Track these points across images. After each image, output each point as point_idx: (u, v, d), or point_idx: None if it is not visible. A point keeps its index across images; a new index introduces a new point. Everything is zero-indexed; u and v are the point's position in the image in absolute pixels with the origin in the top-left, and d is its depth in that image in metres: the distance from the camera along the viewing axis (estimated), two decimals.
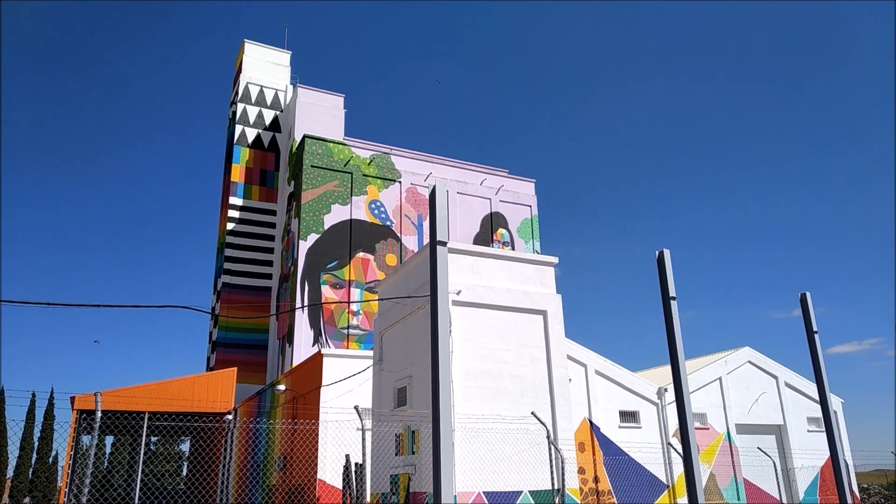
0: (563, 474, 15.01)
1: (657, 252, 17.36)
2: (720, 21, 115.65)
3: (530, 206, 47.86)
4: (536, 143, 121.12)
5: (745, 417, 29.52)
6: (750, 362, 31.00)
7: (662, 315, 17.01)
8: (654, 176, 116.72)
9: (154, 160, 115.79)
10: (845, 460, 27.56)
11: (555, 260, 17.60)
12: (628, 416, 26.31)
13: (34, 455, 41.08)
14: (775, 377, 31.27)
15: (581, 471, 23.89)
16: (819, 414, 30.69)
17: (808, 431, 30.63)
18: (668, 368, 31.17)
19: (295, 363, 35.02)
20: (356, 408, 14.79)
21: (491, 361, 15.66)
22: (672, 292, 16.83)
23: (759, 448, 26.77)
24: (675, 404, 15.17)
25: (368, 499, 17.27)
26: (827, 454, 29.51)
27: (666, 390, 27.27)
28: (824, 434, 29.69)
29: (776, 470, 24.88)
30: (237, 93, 48.19)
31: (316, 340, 37.99)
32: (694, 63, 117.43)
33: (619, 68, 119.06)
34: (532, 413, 15.43)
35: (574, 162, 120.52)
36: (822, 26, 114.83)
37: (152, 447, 50.03)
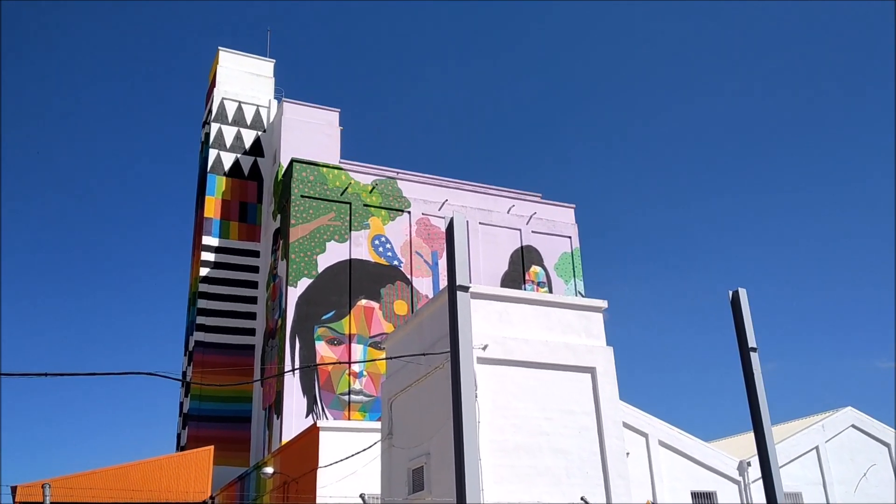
0: None
1: (731, 292, 17.25)
2: (795, 18, 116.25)
3: (570, 238, 47.81)
4: (575, 159, 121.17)
5: (851, 496, 28.82)
6: (854, 426, 30.38)
7: (741, 369, 16.86)
8: (722, 197, 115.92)
9: (108, 194, 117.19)
10: None
11: (604, 304, 17.52)
12: (703, 498, 25.82)
13: None
14: (887, 445, 30.56)
15: None
16: None
17: None
18: (750, 437, 30.60)
19: (285, 439, 34.88)
20: (362, 496, 14.67)
21: (527, 433, 15.49)
22: (752, 341, 16.66)
23: None
24: (761, 482, 14.85)
25: None
26: None
27: (749, 464, 26.78)
28: None
29: None
30: (211, 111, 49.18)
31: (310, 410, 37.87)
32: (774, 66, 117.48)
33: (679, 69, 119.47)
34: (582, 499, 15.20)
35: (623, 181, 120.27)
36: None
37: None
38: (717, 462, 26.61)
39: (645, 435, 25.48)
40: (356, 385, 39.18)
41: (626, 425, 24.46)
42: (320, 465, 23.93)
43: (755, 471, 26.53)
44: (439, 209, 44.41)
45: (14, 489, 30.09)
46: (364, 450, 21.66)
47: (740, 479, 26.72)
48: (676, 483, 25.49)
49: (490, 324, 16.17)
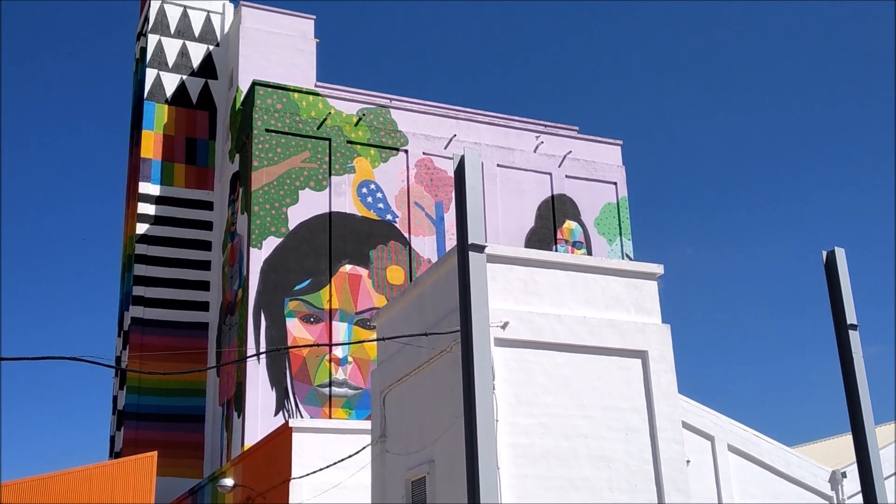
0: None
1: (825, 253, 17.15)
2: None
3: (615, 184, 47.60)
4: (623, 81, 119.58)
5: None
6: None
7: (836, 353, 16.82)
8: (809, 135, 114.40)
9: (12, 127, 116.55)
10: None
11: (659, 269, 17.49)
12: None
13: None
14: None
15: None
16: None
17: None
18: (847, 440, 30.71)
19: (248, 443, 35.21)
20: None
21: (559, 435, 15.55)
22: (851, 317, 16.61)
23: None
24: (860, 497, 14.90)
25: None
26: None
27: (845, 475, 26.94)
28: None
29: None
30: (147, 18, 48.77)
31: (280, 407, 38.12)
32: None
33: None
34: None
35: (686, 110, 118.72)
36: None
37: None
38: (802, 472, 26.69)
39: (710, 438, 25.53)
40: (338, 374, 39.38)
41: (685, 425, 24.52)
42: (294, 475, 24.10)
43: (852, 483, 26.65)
44: (445, 147, 44.19)
45: None
46: (350, 456, 21.81)
47: (832, 493, 26.83)
48: (750, 497, 25.62)
49: (511, 295, 16.15)
